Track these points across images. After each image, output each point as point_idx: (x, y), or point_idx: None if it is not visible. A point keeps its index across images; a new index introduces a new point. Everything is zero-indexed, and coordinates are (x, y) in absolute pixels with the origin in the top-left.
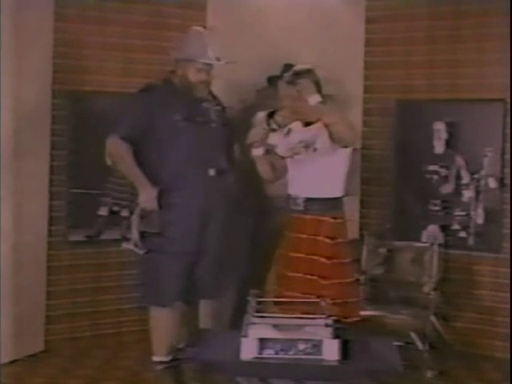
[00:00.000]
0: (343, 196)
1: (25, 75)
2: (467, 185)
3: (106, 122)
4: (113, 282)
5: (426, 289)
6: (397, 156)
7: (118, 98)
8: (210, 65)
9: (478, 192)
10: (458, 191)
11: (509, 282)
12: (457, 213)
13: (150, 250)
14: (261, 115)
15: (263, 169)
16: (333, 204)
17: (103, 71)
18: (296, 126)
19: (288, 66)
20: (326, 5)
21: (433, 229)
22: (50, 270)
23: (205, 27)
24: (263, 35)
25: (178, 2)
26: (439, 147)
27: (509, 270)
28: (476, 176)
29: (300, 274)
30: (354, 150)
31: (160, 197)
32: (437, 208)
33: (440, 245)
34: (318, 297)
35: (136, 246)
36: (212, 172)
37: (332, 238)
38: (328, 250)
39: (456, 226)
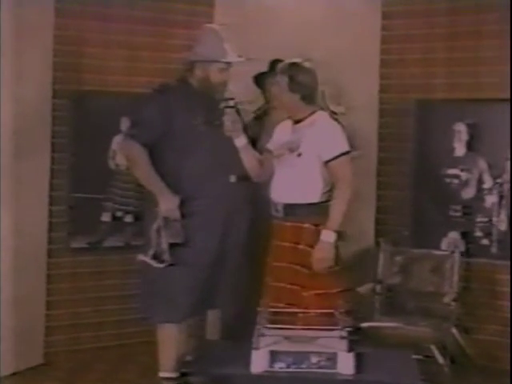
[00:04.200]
0: (327, 201)
1: (24, 74)
2: (490, 189)
3: (109, 123)
4: (116, 291)
5: (447, 299)
6: (415, 159)
7: (122, 98)
8: (230, 64)
9: (501, 197)
10: (479, 196)
11: None
12: (479, 219)
13: (170, 264)
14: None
15: (248, 161)
16: (315, 210)
17: (106, 70)
18: (285, 124)
19: (275, 62)
20: (341, 0)
21: (453, 236)
22: (50, 278)
23: (221, 24)
24: (273, 32)
25: None
26: (460, 150)
27: None
28: (499, 180)
29: (283, 284)
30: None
31: (180, 206)
32: (457, 214)
33: (461, 253)
34: (300, 308)
35: (155, 258)
36: (233, 178)
37: (313, 246)
38: (309, 258)
39: (478, 233)
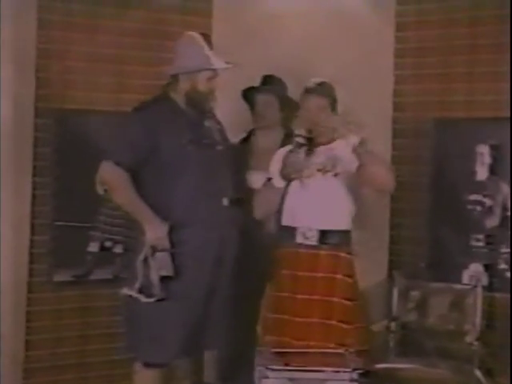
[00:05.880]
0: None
1: (3, 91)
2: None
3: (96, 145)
4: (103, 329)
5: (469, 338)
6: (433, 184)
7: (111, 118)
8: (217, 71)
9: None
10: (504, 224)
11: None
12: (503, 250)
13: (161, 298)
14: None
15: (269, 201)
16: (347, 237)
17: (93, 87)
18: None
19: (268, 78)
20: (350, 9)
21: (475, 268)
22: (30, 315)
23: (202, 33)
24: (277, 45)
25: (179, 8)
26: (482, 173)
27: None
28: None
29: (315, 320)
30: None
31: (169, 234)
32: (480, 244)
33: (484, 287)
34: (340, 345)
35: (141, 292)
36: (226, 202)
37: (351, 276)
38: (349, 290)
39: (502, 266)
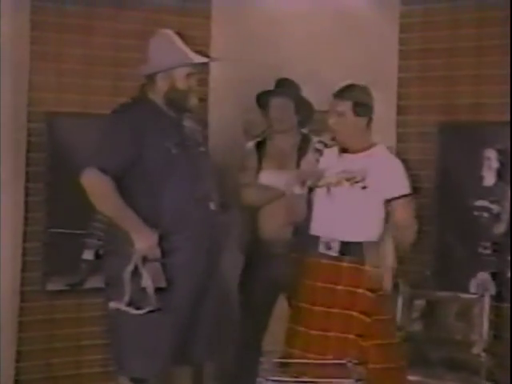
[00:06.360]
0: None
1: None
2: None
3: (90, 150)
4: (98, 339)
5: (476, 349)
6: (438, 189)
7: None
8: (197, 67)
9: None
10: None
11: None
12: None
13: (152, 310)
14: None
15: (296, 210)
16: (373, 248)
17: (88, 90)
18: (332, 151)
19: (282, 81)
20: (353, 11)
21: (483, 277)
22: (22, 325)
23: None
24: (278, 47)
25: (177, 9)
26: (489, 179)
27: None
28: None
29: (332, 333)
30: None
31: (159, 242)
32: (487, 252)
33: (491, 296)
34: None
35: (130, 305)
36: (213, 206)
37: (373, 291)
38: (369, 304)
39: (510, 274)
